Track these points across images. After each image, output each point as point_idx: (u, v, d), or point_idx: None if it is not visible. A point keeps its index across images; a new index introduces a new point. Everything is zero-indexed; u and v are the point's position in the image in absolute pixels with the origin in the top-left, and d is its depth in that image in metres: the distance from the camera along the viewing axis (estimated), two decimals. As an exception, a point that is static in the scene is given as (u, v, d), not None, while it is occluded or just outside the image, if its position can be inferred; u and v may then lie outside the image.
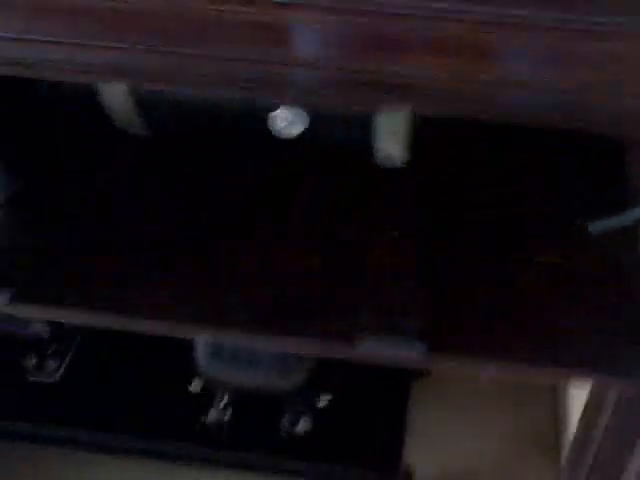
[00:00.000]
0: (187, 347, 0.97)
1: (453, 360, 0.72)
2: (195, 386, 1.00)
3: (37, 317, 0.80)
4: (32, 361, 1.06)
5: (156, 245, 0.78)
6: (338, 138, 0.75)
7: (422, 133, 0.75)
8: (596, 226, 0.74)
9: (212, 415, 1.01)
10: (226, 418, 1.01)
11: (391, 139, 0.74)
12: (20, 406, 1.04)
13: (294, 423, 1.00)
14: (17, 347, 1.06)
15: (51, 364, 1.06)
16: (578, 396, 0.95)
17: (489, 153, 0.82)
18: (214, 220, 0.79)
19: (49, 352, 1.06)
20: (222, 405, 1.01)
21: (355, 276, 0.75)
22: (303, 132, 0.70)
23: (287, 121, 0.69)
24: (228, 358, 0.94)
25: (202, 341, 0.94)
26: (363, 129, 0.73)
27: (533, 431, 1.15)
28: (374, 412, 1.04)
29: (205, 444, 1.01)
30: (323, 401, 1.00)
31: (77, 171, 0.82)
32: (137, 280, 0.76)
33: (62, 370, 1.07)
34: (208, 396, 1.02)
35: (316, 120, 0.71)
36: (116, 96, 0.74)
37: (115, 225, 0.79)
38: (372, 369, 1.05)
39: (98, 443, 1.03)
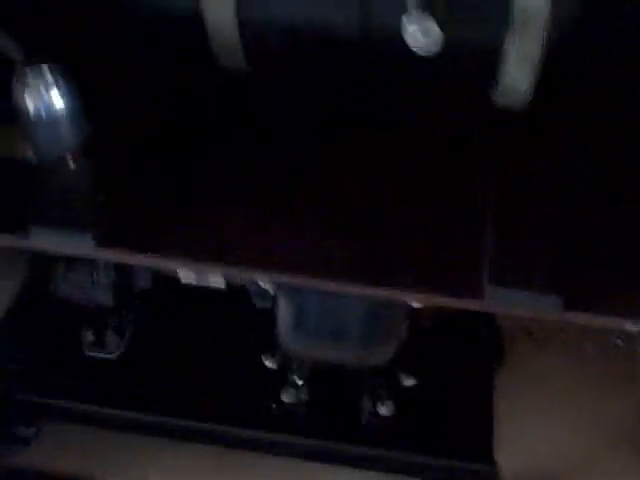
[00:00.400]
0: (262, 321, 0.89)
1: (587, 316, 0.67)
2: (272, 362, 0.92)
3: (119, 260, 0.72)
4: (90, 335, 0.98)
5: (252, 188, 0.73)
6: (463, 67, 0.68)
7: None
8: None
9: (289, 394, 0.93)
10: (303, 397, 0.93)
11: (520, 68, 0.67)
12: (76, 384, 0.96)
13: (375, 405, 0.92)
14: (75, 320, 0.99)
15: (111, 339, 0.98)
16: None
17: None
18: (324, 159, 0.73)
19: (110, 325, 0.98)
20: (300, 383, 0.93)
21: (477, 228, 0.70)
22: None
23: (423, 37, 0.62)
24: (311, 330, 0.86)
25: (285, 311, 0.86)
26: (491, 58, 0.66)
27: (621, 425, 1.07)
28: (460, 399, 0.97)
29: (280, 428, 0.92)
30: (407, 382, 0.91)
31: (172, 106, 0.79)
32: (233, 225, 0.70)
33: (123, 346, 0.99)
34: (284, 375, 0.93)
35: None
36: (222, 23, 0.69)
37: (205, 165, 0.75)
38: (455, 353, 0.98)
39: (161, 426, 0.95)
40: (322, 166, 0.75)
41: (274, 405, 0.93)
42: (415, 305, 0.83)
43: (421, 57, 0.63)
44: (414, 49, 0.63)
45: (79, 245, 0.70)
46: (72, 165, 0.77)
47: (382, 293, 0.68)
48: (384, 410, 0.92)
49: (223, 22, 0.70)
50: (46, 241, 0.71)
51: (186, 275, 0.93)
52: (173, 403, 0.94)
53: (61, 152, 0.77)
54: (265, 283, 0.82)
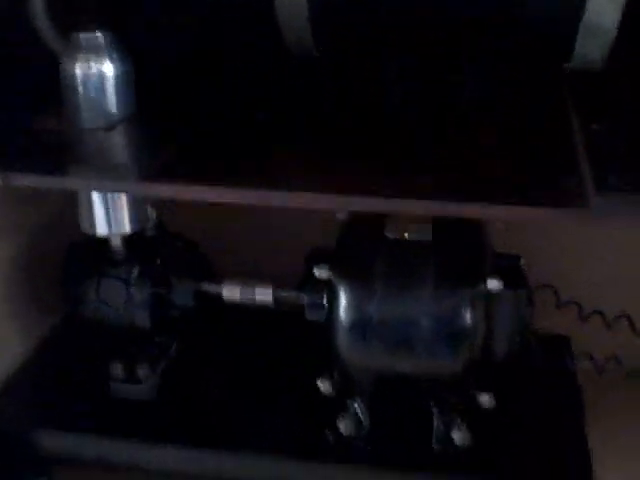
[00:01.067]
0: (316, 340, 0.79)
1: None
2: (328, 386, 0.80)
3: (166, 194, 0.64)
4: (120, 367, 0.87)
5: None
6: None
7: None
8: None
9: (347, 423, 0.80)
10: (364, 426, 0.80)
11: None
12: (102, 420, 0.83)
13: (448, 431, 0.79)
14: (104, 349, 0.88)
15: (143, 370, 0.87)
16: None
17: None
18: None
19: (145, 352, 0.87)
20: (359, 410, 0.80)
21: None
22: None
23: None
24: (372, 336, 0.76)
25: (342, 316, 0.76)
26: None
27: None
28: (548, 422, 0.83)
29: (338, 461, 0.79)
30: (486, 403, 0.79)
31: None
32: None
33: (156, 378, 0.87)
34: (341, 401, 0.81)
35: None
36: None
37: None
38: (537, 369, 0.86)
39: (201, 464, 0.81)
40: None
41: (331, 435, 0.79)
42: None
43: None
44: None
45: (120, 180, 0.63)
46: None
47: (474, 210, 0.59)
48: (459, 437, 0.78)
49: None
50: (85, 179, 0.64)
51: (230, 290, 0.85)
52: (215, 437, 0.81)
53: (110, 122, 0.72)
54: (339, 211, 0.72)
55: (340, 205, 0.61)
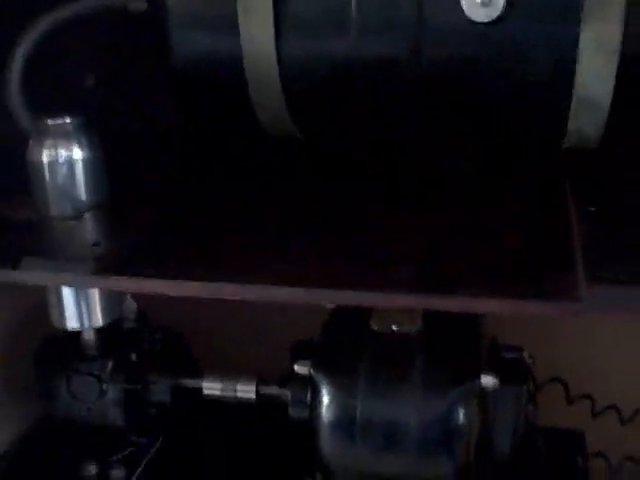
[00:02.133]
0: (299, 436, 0.73)
1: None
2: (312, 487, 0.74)
3: (121, 288, 0.60)
4: (93, 468, 0.81)
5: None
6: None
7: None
8: None
9: (331, 528, 0.73)
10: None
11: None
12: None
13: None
14: (78, 449, 0.83)
15: (117, 472, 0.81)
16: None
17: None
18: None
19: (116, 458, 0.82)
20: (345, 516, 0.74)
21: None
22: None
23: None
24: (358, 436, 0.70)
25: (327, 415, 0.71)
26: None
27: None
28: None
29: None
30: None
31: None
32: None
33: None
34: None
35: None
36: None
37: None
38: (545, 470, 0.79)
39: None
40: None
41: None
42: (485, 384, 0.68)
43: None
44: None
45: (76, 275, 0.59)
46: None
47: (457, 303, 0.53)
48: None
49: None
50: (38, 271, 0.60)
51: (211, 385, 0.80)
52: None
53: (78, 210, 0.69)
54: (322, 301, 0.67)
55: (312, 298, 0.56)
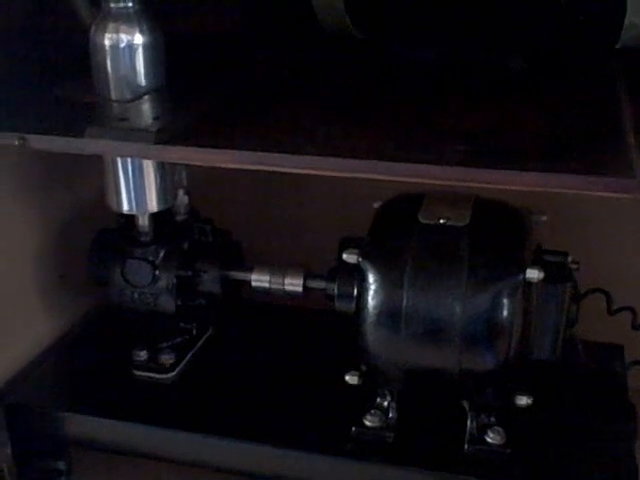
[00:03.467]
0: (344, 331, 0.75)
1: None
2: (354, 378, 0.76)
3: (184, 159, 0.62)
4: (144, 353, 0.84)
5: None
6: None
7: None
8: None
9: (374, 417, 0.75)
10: (391, 421, 0.75)
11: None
12: (123, 405, 0.81)
13: (481, 431, 0.73)
14: (129, 334, 0.86)
15: (166, 357, 0.84)
16: None
17: None
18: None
19: (166, 345, 0.85)
20: (387, 404, 0.76)
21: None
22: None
23: None
24: (402, 326, 0.71)
25: (372, 305, 0.72)
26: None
27: None
28: (592, 431, 0.77)
29: (362, 457, 0.74)
30: (522, 402, 0.73)
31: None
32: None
33: (180, 365, 0.84)
34: (369, 395, 0.77)
35: None
36: None
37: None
38: (584, 373, 0.80)
39: (221, 455, 0.77)
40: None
41: (355, 429, 0.75)
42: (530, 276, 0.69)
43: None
44: None
45: (138, 144, 0.61)
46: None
47: (507, 177, 0.54)
48: (492, 437, 0.73)
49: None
50: (101, 140, 0.62)
51: (259, 277, 0.82)
52: (238, 429, 0.77)
53: (137, 94, 0.70)
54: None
55: (363, 169, 0.57)
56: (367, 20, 0.76)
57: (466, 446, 0.73)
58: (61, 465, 0.81)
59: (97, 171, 0.78)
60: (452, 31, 0.75)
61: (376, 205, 0.79)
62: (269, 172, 0.60)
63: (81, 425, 0.81)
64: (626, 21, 0.65)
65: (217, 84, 0.75)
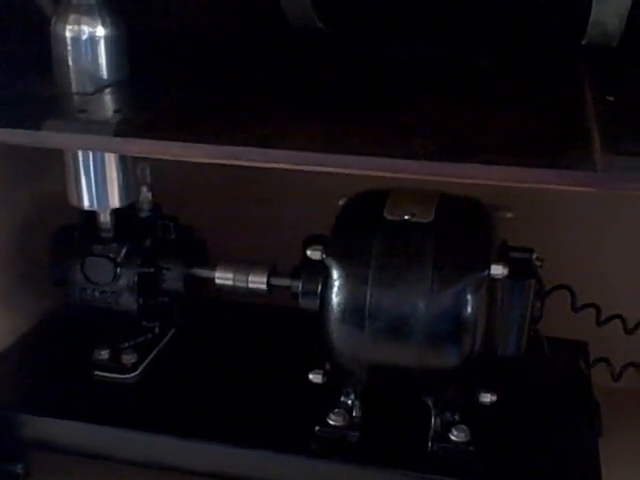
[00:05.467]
0: (308, 329, 0.74)
1: None
2: (318, 376, 0.75)
3: (145, 153, 0.60)
4: (105, 352, 0.83)
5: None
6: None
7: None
8: None
9: (337, 416, 0.75)
10: (355, 419, 0.75)
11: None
12: (83, 406, 0.79)
13: (445, 429, 0.73)
14: (91, 333, 0.84)
15: (128, 357, 0.83)
16: None
17: None
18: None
19: (128, 344, 0.83)
20: (351, 402, 0.75)
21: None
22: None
23: None
24: (366, 323, 0.71)
25: (335, 302, 0.71)
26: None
27: None
28: (556, 427, 0.77)
29: (326, 455, 0.73)
30: (485, 399, 0.73)
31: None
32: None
33: (142, 365, 0.83)
34: (332, 394, 0.76)
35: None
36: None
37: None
38: (548, 370, 0.81)
39: (182, 456, 0.76)
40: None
41: (319, 428, 0.74)
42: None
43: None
44: None
45: (99, 137, 0.60)
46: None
47: (473, 171, 0.54)
48: (456, 435, 0.73)
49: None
50: (61, 132, 0.60)
51: (223, 275, 0.81)
52: (201, 429, 0.76)
53: (99, 87, 0.69)
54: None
55: (330, 163, 0.57)
56: (335, 15, 0.75)
57: (430, 444, 0.73)
58: (19, 468, 0.80)
59: (60, 167, 0.77)
60: (420, 27, 0.75)
61: (341, 202, 0.79)
62: (235, 168, 0.59)
63: (41, 427, 0.79)
64: (591, 18, 0.65)
65: (184, 79, 0.74)
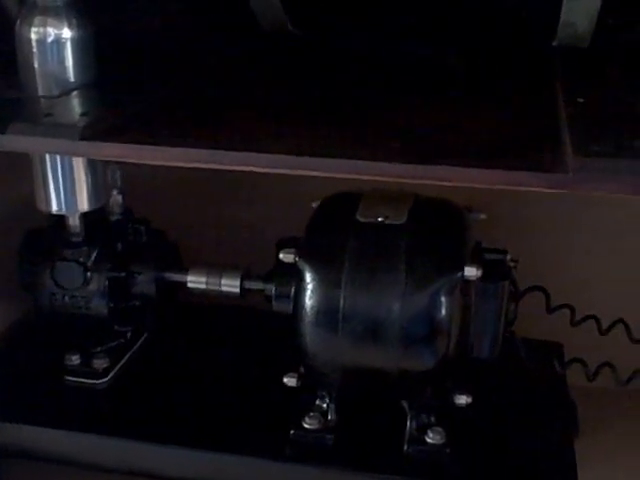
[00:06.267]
0: (282, 332, 0.73)
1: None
2: (292, 380, 0.75)
3: (113, 156, 0.60)
4: (76, 357, 0.82)
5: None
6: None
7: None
8: None
9: (312, 419, 0.74)
10: (330, 422, 0.74)
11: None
12: (54, 412, 0.78)
13: (421, 431, 0.73)
14: (61, 339, 0.83)
15: (100, 362, 0.82)
16: None
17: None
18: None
19: (99, 349, 0.82)
20: (325, 406, 0.75)
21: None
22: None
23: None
24: (339, 325, 0.70)
25: (309, 304, 0.70)
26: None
27: None
28: (531, 428, 0.77)
29: (300, 459, 0.73)
30: (461, 401, 0.73)
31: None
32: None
33: (114, 370, 0.82)
34: (307, 397, 0.76)
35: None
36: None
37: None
38: (523, 371, 0.80)
39: (154, 460, 0.75)
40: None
41: (294, 432, 0.74)
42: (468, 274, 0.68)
43: None
44: None
45: (64, 140, 0.59)
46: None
47: (443, 173, 0.54)
48: (432, 437, 0.72)
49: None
50: (26, 136, 0.59)
51: (195, 279, 0.80)
52: (174, 434, 0.75)
53: (66, 90, 0.68)
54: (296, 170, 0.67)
55: (303, 166, 0.56)
56: (305, 17, 0.75)
57: (406, 446, 0.72)
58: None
59: (28, 170, 0.76)
60: (388, 27, 0.74)
61: (314, 204, 0.78)
62: (206, 171, 0.59)
63: (10, 433, 0.78)
64: (561, 18, 0.65)
65: (153, 82, 0.73)
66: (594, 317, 0.82)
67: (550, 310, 0.81)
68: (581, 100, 0.63)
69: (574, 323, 0.82)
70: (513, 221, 0.91)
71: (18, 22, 0.68)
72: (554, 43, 0.70)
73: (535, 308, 0.79)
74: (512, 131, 0.58)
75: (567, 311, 0.82)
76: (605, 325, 0.82)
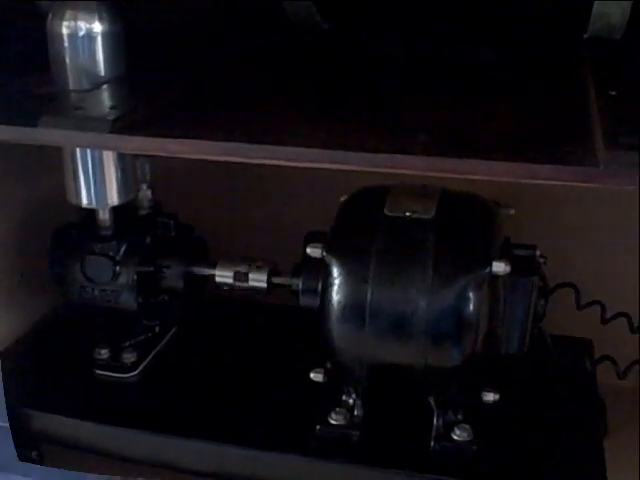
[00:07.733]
0: (309, 327, 0.73)
1: None
2: (319, 375, 0.74)
3: (142, 149, 0.60)
4: (105, 351, 0.82)
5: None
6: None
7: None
8: None
9: (339, 415, 0.74)
10: (356, 419, 0.74)
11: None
12: (83, 404, 0.79)
13: (448, 428, 0.72)
14: (91, 332, 0.84)
15: (128, 356, 0.82)
16: None
17: None
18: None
19: (128, 343, 0.83)
20: (352, 402, 0.74)
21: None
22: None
23: None
24: (367, 321, 0.70)
25: (336, 299, 0.70)
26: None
27: None
28: (560, 427, 0.76)
29: (327, 456, 0.73)
30: (488, 398, 0.72)
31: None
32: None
33: (143, 364, 0.83)
34: (333, 393, 0.75)
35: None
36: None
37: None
38: (552, 368, 0.80)
39: (184, 454, 0.76)
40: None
41: (320, 427, 0.74)
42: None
43: None
44: None
45: (95, 133, 0.59)
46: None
47: (474, 166, 0.53)
48: (459, 434, 0.72)
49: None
50: (57, 129, 0.60)
51: (223, 273, 0.80)
52: (202, 428, 0.76)
53: (96, 84, 0.68)
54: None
55: (330, 160, 0.56)
56: (334, 10, 0.75)
57: (433, 443, 0.72)
58: (34, 455, 0.79)
59: (58, 165, 0.76)
60: (421, 22, 0.74)
61: (342, 199, 0.78)
62: (235, 165, 0.59)
63: (44, 423, 0.79)
64: (594, 10, 0.64)
65: (183, 75, 0.74)
66: (625, 315, 0.81)
67: (580, 307, 0.80)
68: (613, 93, 0.62)
69: (605, 320, 0.81)
70: (544, 216, 0.90)
71: (50, 17, 0.69)
72: (586, 35, 0.69)
73: (565, 305, 0.78)
74: (542, 124, 0.58)
75: (598, 308, 0.81)
76: (636, 323, 0.80)
